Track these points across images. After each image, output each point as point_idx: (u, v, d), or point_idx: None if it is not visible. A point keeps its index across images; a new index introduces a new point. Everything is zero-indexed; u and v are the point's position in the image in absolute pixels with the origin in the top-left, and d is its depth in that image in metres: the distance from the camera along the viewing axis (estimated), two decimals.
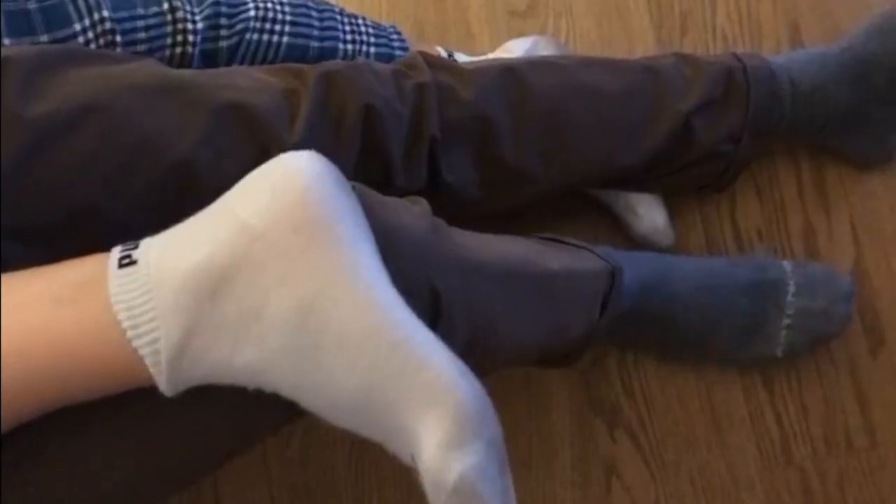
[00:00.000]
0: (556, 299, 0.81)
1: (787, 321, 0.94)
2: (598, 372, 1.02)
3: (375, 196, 0.66)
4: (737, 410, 1.00)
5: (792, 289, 0.94)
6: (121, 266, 0.56)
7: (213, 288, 0.54)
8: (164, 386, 0.56)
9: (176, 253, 0.56)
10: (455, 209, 0.80)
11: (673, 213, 1.03)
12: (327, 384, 0.55)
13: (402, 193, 0.76)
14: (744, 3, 1.11)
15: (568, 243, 0.89)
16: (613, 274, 0.87)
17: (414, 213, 0.69)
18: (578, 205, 1.04)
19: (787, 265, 0.96)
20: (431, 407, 0.54)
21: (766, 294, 0.94)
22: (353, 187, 0.61)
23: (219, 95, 0.69)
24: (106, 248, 0.58)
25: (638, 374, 1.02)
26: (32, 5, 0.72)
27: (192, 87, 0.69)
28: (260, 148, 0.69)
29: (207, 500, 1.02)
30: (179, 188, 0.66)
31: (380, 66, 0.81)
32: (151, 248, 0.56)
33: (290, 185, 0.57)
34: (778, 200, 1.05)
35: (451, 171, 0.82)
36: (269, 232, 0.55)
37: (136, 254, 0.56)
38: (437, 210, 0.73)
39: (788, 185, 1.05)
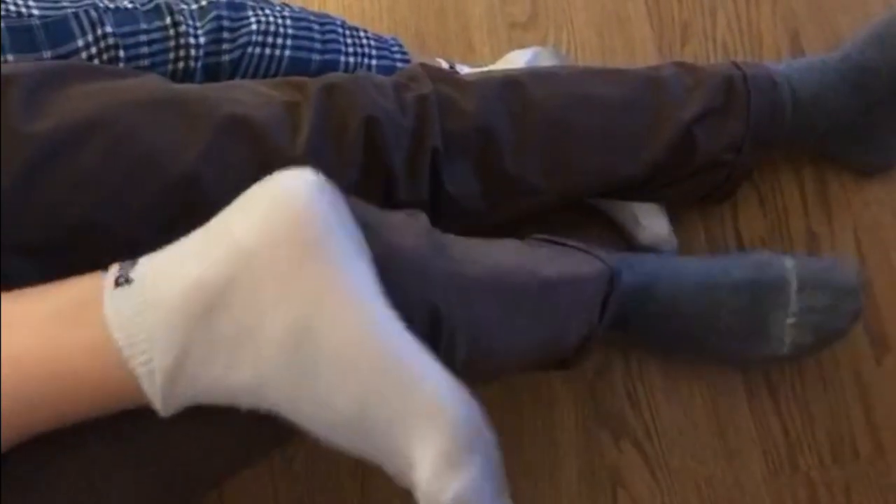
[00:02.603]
0: (556, 308, 0.81)
1: (791, 320, 0.92)
2: (603, 382, 1.02)
3: (373, 213, 0.66)
4: (742, 419, 1.00)
5: (795, 286, 0.92)
6: (117, 285, 0.56)
7: (208, 307, 0.54)
8: (160, 406, 0.56)
9: (171, 272, 0.56)
10: (457, 220, 0.80)
11: (676, 222, 1.03)
12: (322, 404, 0.55)
13: (404, 205, 0.76)
14: (744, 12, 1.12)
15: (564, 244, 0.89)
16: (612, 277, 0.87)
17: (412, 230, 0.69)
18: (581, 214, 1.04)
19: (789, 262, 0.94)
20: (425, 428, 0.54)
21: (766, 292, 0.93)
22: (352, 203, 0.61)
23: (221, 110, 0.69)
24: (111, 264, 0.58)
25: (643, 384, 1.02)
26: (35, 21, 0.72)
27: (195, 101, 0.69)
28: (262, 161, 0.70)
29: None
30: (183, 203, 0.66)
31: (381, 78, 0.82)
32: (147, 267, 0.56)
33: (287, 204, 0.56)
34: (780, 209, 1.05)
35: (452, 182, 0.82)
36: (265, 252, 0.55)
37: (132, 273, 0.56)
38: (439, 221, 0.73)
39: (791, 193, 1.05)
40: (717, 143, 0.93)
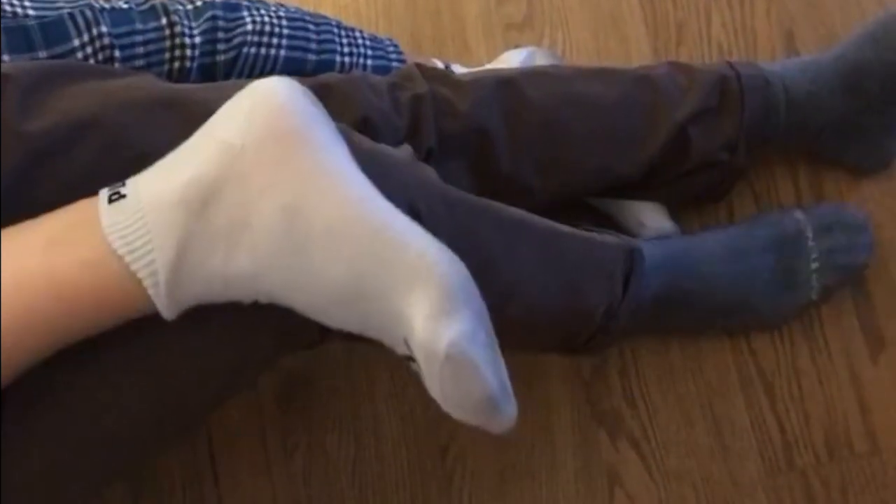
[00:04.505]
0: (564, 257, 0.82)
1: (814, 265, 0.95)
2: (599, 382, 1.02)
3: (356, 132, 0.69)
4: (739, 417, 1.00)
5: (810, 234, 0.96)
6: (110, 202, 0.58)
7: (202, 202, 0.57)
8: (164, 308, 0.58)
9: (162, 179, 0.59)
10: None
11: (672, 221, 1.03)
12: (317, 280, 0.58)
13: None
14: (738, 12, 1.12)
15: (584, 228, 0.90)
16: (633, 253, 0.87)
17: (395, 149, 0.72)
18: (580, 214, 1.03)
19: (798, 213, 0.97)
20: (416, 283, 0.57)
21: (787, 246, 0.95)
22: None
23: (216, 110, 0.69)
24: None
25: (639, 382, 1.02)
26: (31, 21, 0.72)
27: (190, 101, 0.69)
28: None
29: None
30: None
31: (376, 78, 0.82)
32: (138, 182, 0.59)
33: (266, 102, 0.60)
34: (776, 207, 1.05)
35: (447, 182, 0.82)
36: (250, 146, 0.58)
37: (123, 190, 0.59)
38: None
39: (786, 192, 1.06)
40: (711, 143, 0.94)
